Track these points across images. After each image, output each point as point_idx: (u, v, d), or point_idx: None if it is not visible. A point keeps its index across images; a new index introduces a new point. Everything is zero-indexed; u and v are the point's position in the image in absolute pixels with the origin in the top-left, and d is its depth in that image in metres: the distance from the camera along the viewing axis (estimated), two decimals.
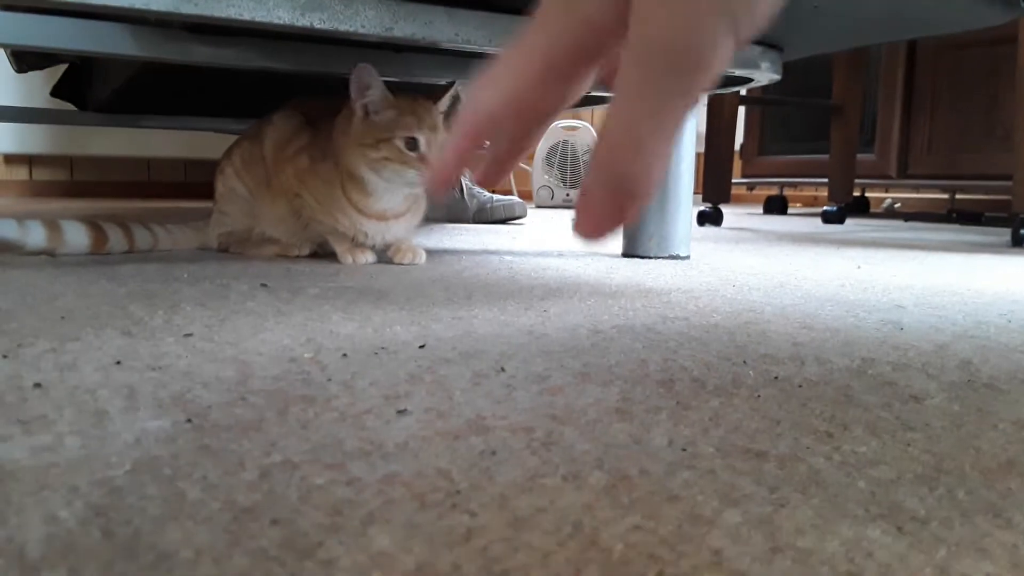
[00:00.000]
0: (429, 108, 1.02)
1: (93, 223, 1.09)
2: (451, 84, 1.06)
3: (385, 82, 1.01)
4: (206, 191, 1.21)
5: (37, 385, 0.47)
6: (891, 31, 1.42)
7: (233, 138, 1.24)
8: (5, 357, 0.53)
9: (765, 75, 1.19)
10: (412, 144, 1.01)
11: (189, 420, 0.41)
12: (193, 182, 3.28)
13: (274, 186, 1.13)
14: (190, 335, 0.61)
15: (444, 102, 1.04)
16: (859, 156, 2.69)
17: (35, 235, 1.02)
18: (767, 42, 1.17)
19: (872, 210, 3.39)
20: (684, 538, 0.30)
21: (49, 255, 1.04)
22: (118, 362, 0.53)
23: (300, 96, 1.17)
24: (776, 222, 2.62)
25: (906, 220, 2.83)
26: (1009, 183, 1.83)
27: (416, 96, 1.03)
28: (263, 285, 0.87)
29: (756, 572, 0.28)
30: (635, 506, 0.32)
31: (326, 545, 0.29)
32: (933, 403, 0.48)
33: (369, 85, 1.01)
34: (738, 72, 1.19)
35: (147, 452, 0.37)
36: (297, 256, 1.16)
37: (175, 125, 2.03)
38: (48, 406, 0.43)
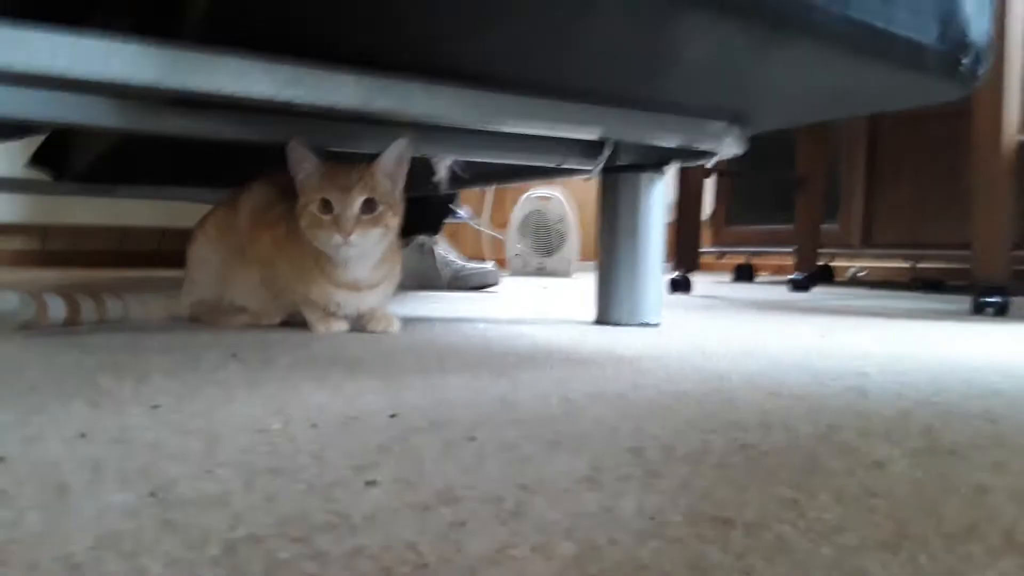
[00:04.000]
0: (348, 171, 1.01)
1: (67, 294, 1.08)
2: (396, 145, 1.03)
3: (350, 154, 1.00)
4: (181, 259, 1.21)
5: (0, 459, 0.46)
6: (850, 107, 1.49)
7: (208, 207, 1.24)
8: None
9: (729, 149, 1.23)
10: (326, 207, 1.00)
11: (153, 494, 0.41)
12: (168, 250, 3.27)
13: (248, 254, 1.13)
14: (158, 406, 0.61)
15: (385, 160, 1.03)
16: (824, 226, 2.76)
17: (27, 308, 1.01)
18: (731, 117, 1.21)
19: (837, 278, 3.46)
20: None
21: (31, 327, 1.02)
22: (83, 435, 0.52)
23: (276, 166, 1.19)
24: (744, 290, 2.66)
25: (871, 288, 2.88)
26: (969, 252, 1.88)
27: (353, 163, 1.02)
28: (234, 355, 0.87)
29: None
30: None
31: None
32: (896, 469, 0.49)
33: (302, 158, 1.02)
34: (703, 146, 1.22)
35: (109, 527, 0.36)
36: (268, 325, 1.16)
37: (150, 195, 2.03)
38: (10, 480, 0.42)
